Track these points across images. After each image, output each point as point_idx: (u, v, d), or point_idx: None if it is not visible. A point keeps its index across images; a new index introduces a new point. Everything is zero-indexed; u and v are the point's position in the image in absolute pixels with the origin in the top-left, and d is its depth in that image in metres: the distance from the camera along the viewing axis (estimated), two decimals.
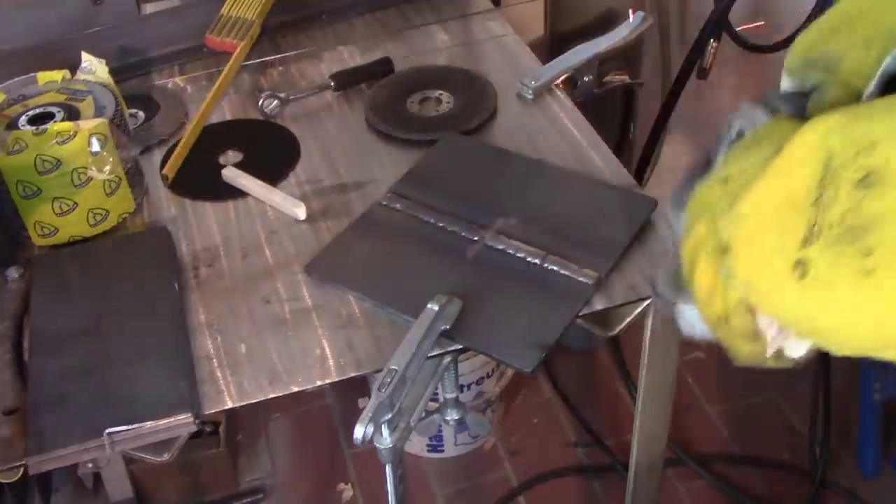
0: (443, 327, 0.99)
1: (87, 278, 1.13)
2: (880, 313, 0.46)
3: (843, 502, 1.89)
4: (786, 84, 0.68)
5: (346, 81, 1.46)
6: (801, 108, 0.64)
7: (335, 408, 2.15)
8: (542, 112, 1.38)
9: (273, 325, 1.07)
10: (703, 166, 0.65)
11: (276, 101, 1.41)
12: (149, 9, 1.59)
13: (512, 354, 1.00)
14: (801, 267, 0.48)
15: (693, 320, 0.66)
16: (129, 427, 0.94)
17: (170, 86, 1.52)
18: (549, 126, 1.35)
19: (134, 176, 1.25)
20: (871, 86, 0.61)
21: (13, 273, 1.15)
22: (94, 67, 1.28)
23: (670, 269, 0.68)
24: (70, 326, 1.06)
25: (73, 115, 1.20)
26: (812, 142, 0.49)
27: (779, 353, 0.59)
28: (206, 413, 0.98)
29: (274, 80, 1.51)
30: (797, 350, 0.58)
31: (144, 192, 1.29)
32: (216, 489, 1.97)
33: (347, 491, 1.98)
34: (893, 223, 0.44)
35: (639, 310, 1.05)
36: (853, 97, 0.62)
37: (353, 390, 2.00)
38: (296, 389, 1.00)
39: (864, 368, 1.97)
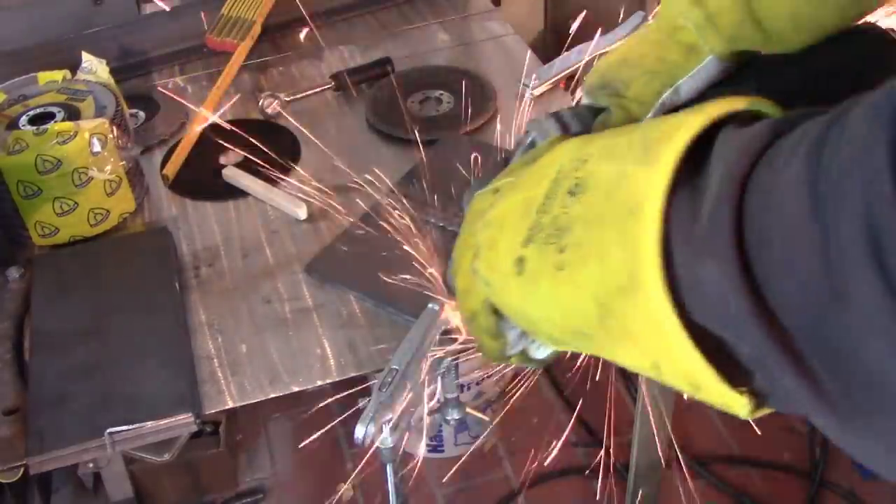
0: (443, 327, 0.99)
1: (88, 278, 1.13)
2: (567, 303, 0.51)
3: (843, 502, 1.89)
4: (585, 102, 0.74)
5: (346, 81, 1.46)
6: (588, 126, 0.70)
7: (335, 408, 2.15)
8: (542, 112, 1.37)
9: (273, 325, 1.07)
10: (502, 166, 0.70)
11: (276, 101, 1.41)
12: (149, 9, 1.59)
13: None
14: (519, 264, 0.54)
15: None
16: (130, 427, 0.94)
17: (170, 86, 1.52)
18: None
19: (134, 176, 1.25)
20: (650, 115, 0.69)
21: (13, 273, 1.15)
22: (94, 67, 1.28)
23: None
24: (70, 326, 1.06)
25: (73, 115, 1.20)
26: (553, 159, 0.55)
27: (524, 354, 0.64)
28: (207, 413, 0.98)
29: (274, 80, 1.51)
30: (540, 352, 0.65)
31: (145, 192, 1.29)
32: (216, 489, 1.97)
33: (347, 491, 1.98)
34: (584, 224, 0.50)
35: None
36: (632, 122, 0.69)
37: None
38: (296, 389, 1.00)
39: None
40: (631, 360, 0.50)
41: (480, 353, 0.66)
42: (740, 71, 0.70)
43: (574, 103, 0.80)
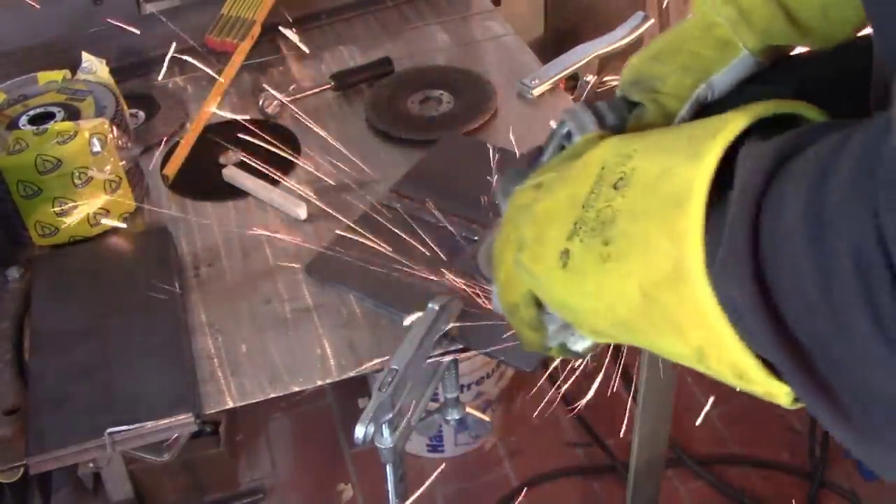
0: (443, 327, 0.99)
1: (88, 278, 1.13)
2: (612, 294, 0.52)
3: (843, 502, 1.89)
4: (618, 95, 0.75)
5: (346, 81, 1.46)
6: (624, 119, 0.71)
7: (335, 408, 2.15)
8: (542, 112, 1.38)
9: (273, 325, 1.07)
10: (535, 158, 0.72)
11: (276, 101, 1.41)
12: (149, 9, 1.59)
13: (512, 354, 1.00)
14: (564, 256, 0.55)
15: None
16: (130, 427, 0.94)
17: (170, 86, 1.52)
18: (549, 126, 1.35)
19: (134, 176, 1.25)
20: (684, 109, 0.70)
21: (13, 273, 1.14)
22: (94, 67, 1.28)
23: (489, 248, 0.74)
24: (70, 326, 1.06)
25: (73, 114, 1.20)
26: (597, 156, 0.57)
27: (563, 346, 0.66)
28: (207, 413, 0.98)
29: (274, 80, 1.51)
30: (579, 344, 0.66)
31: (145, 192, 1.28)
32: (216, 489, 1.96)
33: (347, 491, 1.98)
34: (628, 216, 0.51)
35: None
36: (668, 118, 0.70)
37: (353, 390, 2.00)
38: (296, 389, 1.00)
39: None
40: (674, 350, 0.51)
41: (521, 343, 0.67)
42: (774, 66, 0.71)
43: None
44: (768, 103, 0.48)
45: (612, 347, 2.18)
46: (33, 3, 1.35)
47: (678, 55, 0.71)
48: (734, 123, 0.48)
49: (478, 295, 1.02)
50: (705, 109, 0.71)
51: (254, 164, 1.31)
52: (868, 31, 0.66)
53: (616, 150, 0.56)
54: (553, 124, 0.72)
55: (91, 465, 1.35)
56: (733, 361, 0.46)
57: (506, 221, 0.65)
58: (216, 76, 1.46)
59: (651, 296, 0.49)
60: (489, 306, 0.87)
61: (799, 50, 0.72)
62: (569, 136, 0.69)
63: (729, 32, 0.69)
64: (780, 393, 0.46)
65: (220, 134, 1.39)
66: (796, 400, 0.46)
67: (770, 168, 0.43)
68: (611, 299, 0.53)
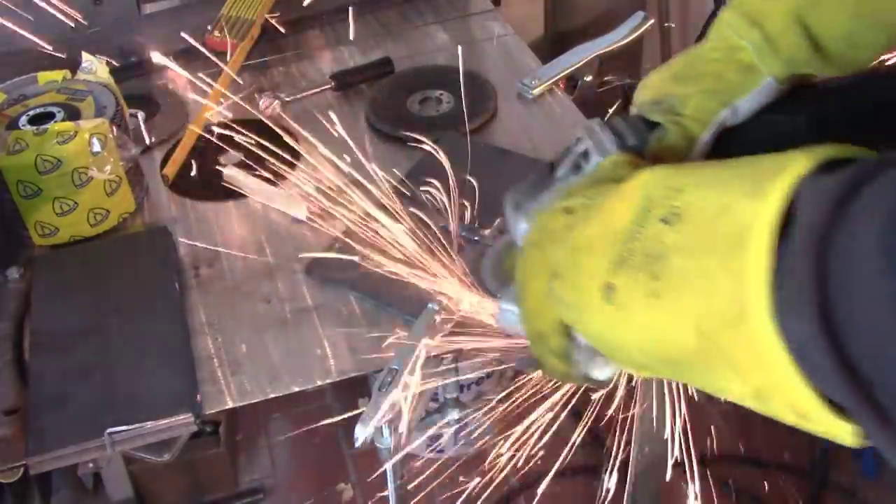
0: (443, 327, 0.99)
1: (88, 278, 1.13)
2: (662, 331, 0.51)
3: (843, 502, 1.89)
4: (635, 113, 0.74)
5: (346, 81, 1.46)
6: (644, 140, 0.70)
7: (335, 408, 2.15)
8: (542, 112, 1.38)
9: (273, 325, 1.07)
10: (548, 174, 0.71)
11: (276, 101, 1.40)
12: (149, 9, 1.59)
13: (512, 354, 1.00)
14: (608, 290, 0.54)
15: (512, 322, 0.71)
16: (130, 427, 0.94)
17: (170, 86, 1.52)
18: (549, 126, 1.35)
19: (134, 176, 1.25)
20: (707, 133, 0.69)
21: (13, 273, 1.14)
22: (94, 67, 1.28)
23: (496, 262, 0.73)
24: (70, 326, 1.06)
25: (73, 115, 1.20)
26: (636, 187, 0.55)
27: (586, 375, 0.65)
28: (207, 413, 0.98)
29: (274, 80, 1.51)
30: (603, 373, 0.65)
31: (145, 192, 1.28)
32: (216, 489, 1.96)
33: (347, 491, 1.98)
34: (683, 253, 0.50)
35: None
36: (689, 141, 0.69)
37: (353, 390, 2.00)
38: (296, 389, 1.00)
39: None
40: (730, 389, 0.50)
41: (541, 372, 0.67)
42: (794, 93, 0.71)
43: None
44: (830, 147, 0.47)
45: None
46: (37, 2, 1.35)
47: (701, 78, 0.70)
48: (798, 163, 0.46)
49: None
50: (727, 134, 0.70)
51: (254, 165, 1.31)
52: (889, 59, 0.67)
53: (662, 181, 0.54)
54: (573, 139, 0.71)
55: (91, 465, 1.35)
56: (795, 401, 0.45)
57: (531, 245, 0.64)
58: (216, 76, 1.45)
59: (708, 335, 0.48)
60: (490, 320, 0.86)
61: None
62: (586, 154, 0.69)
63: (753, 58, 0.69)
64: (842, 433, 0.45)
65: (220, 134, 1.39)
66: (862, 438, 0.45)
67: (836, 203, 0.42)
68: (661, 336, 0.51)
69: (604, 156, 0.68)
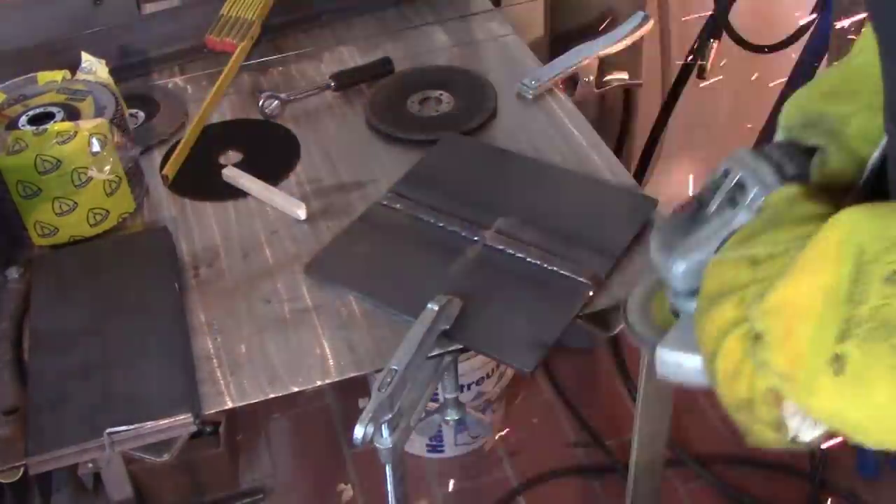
0: (443, 327, 0.99)
1: (87, 278, 1.13)
2: None
3: (843, 502, 1.89)
4: (782, 138, 0.68)
5: (346, 81, 1.46)
6: (803, 166, 0.64)
7: (335, 408, 2.15)
8: (542, 112, 1.38)
9: (273, 325, 1.07)
10: (695, 210, 0.66)
11: (276, 101, 1.41)
12: (149, 9, 1.59)
13: (512, 354, 1.00)
14: (837, 362, 0.49)
15: (678, 373, 0.67)
16: (130, 427, 0.94)
17: (170, 86, 1.52)
18: (549, 126, 1.35)
19: (134, 176, 1.25)
20: (876, 155, 0.62)
21: (13, 273, 1.14)
22: (94, 67, 1.28)
23: (643, 303, 0.69)
24: (70, 326, 1.06)
25: (73, 115, 1.20)
26: (841, 237, 0.50)
27: (794, 438, 0.59)
28: (206, 413, 0.98)
29: (274, 80, 1.51)
30: (810, 434, 0.59)
31: (144, 192, 1.28)
32: (216, 489, 1.96)
33: (347, 491, 1.98)
34: None
35: None
36: (858, 163, 0.63)
37: (353, 390, 2.00)
38: (296, 389, 1.00)
39: None
40: None
41: (750, 441, 0.62)
42: None
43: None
44: None
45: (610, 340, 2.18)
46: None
47: (860, 94, 0.64)
48: None
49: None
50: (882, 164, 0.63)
51: (254, 164, 1.31)
52: None
53: (873, 230, 0.49)
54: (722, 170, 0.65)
55: (91, 465, 1.35)
56: None
57: (709, 300, 0.59)
58: (216, 76, 1.45)
59: None
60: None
61: None
62: (742, 187, 0.64)
63: None
64: None
65: (220, 134, 1.39)
66: None
67: None
68: None
69: (766, 189, 0.63)
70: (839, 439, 0.55)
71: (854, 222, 0.50)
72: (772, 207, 0.60)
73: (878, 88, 0.60)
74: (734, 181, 0.64)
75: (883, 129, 0.60)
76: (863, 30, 0.66)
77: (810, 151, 0.66)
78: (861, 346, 0.48)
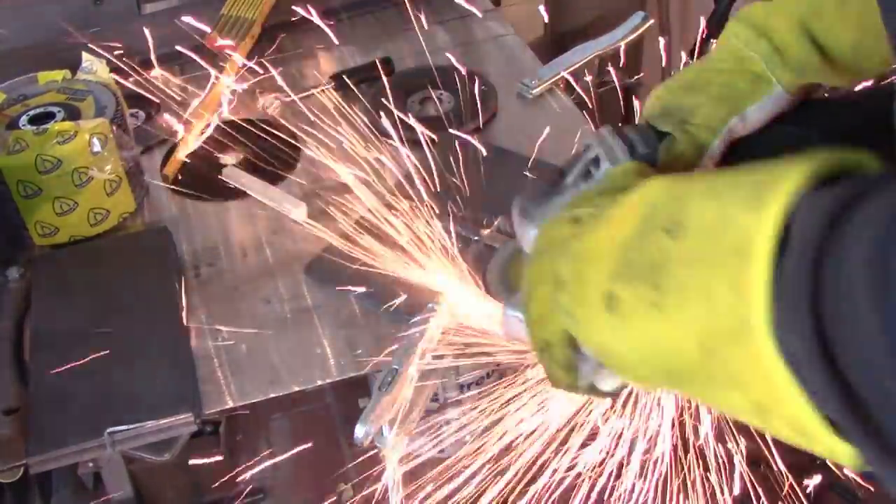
0: (443, 327, 0.99)
1: (88, 278, 1.13)
2: (664, 343, 0.50)
3: (843, 502, 1.89)
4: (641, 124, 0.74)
5: (346, 81, 1.46)
6: (655, 149, 0.70)
7: (335, 408, 2.14)
8: (542, 112, 1.38)
9: (273, 325, 1.07)
10: (557, 180, 0.71)
11: (276, 101, 1.40)
12: (149, 9, 1.59)
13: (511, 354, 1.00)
14: (610, 300, 0.53)
15: (517, 329, 0.70)
16: (130, 427, 0.94)
17: (170, 86, 1.51)
18: (549, 126, 1.35)
19: (134, 176, 1.25)
20: (717, 141, 0.70)
21: (13, 273, 1.14)
22: (94, 67, 1.28)
23: (502, 267, 0.73)
24: (70, 326, 1.06)
25: (73, 114, 1.20)
26: (641, 196, 0.55)
27: (591, 386, 0.64)
28: (207, 413, 0.98)
29: (274, 80, 1.51)
30: (608, 384, 0.64)
31: (145, 192, 1.28)
32: (216, 489, 1.96)
33: (347, 491, 1.98)
34: (684, 264, 0.49)
35: None
36: (699, 149, 0.70)
37: (353, 390, 2.00)
38: (296, 389, 1.00)
39: None
40: (731, 404, 0.49)
41: (550, 384, 0.65)
42: (803, 107, 0.71)
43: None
44: (832, 152, 0.46)
45: None
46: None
47: (709, 87, 0.71)
48: (797, 172, 0.45)
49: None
50: (740, 147, 0.70)
51: (254, 164, 1.31)
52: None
53: (666, 191, 0.53)
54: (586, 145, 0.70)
55: (91, 464, 1.35)
56: (795, 418, 0.44)
57: (537, 254, 0.63)
58: (216, 76, 1.45)
59: (710, 348, 0.47)
60: (495, 326, 0.86)
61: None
62: (596, 161, 0.68)
63: (762, 68, 0.69)
64: (842, 453, 0.44)
65: (220, 134, 1.39)
66: (862, 463, 0.44)
67: (831, 219, 0.42)
68: (662, 349, 0.51)
69: (614, 164, 0.67)
70: None
71: (653, 185, 0.55)
72: (609, 178, 0.66)
73: (726, 83, 0.70)
74: (591, 156, 0.69)
75: (722, 120, 0.69)
76: (722, 31, 0.73)
77: (664, 136, 0.71)
78: (628, 286, 0.52)
